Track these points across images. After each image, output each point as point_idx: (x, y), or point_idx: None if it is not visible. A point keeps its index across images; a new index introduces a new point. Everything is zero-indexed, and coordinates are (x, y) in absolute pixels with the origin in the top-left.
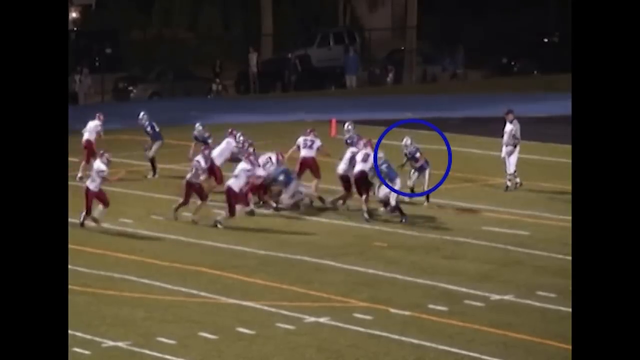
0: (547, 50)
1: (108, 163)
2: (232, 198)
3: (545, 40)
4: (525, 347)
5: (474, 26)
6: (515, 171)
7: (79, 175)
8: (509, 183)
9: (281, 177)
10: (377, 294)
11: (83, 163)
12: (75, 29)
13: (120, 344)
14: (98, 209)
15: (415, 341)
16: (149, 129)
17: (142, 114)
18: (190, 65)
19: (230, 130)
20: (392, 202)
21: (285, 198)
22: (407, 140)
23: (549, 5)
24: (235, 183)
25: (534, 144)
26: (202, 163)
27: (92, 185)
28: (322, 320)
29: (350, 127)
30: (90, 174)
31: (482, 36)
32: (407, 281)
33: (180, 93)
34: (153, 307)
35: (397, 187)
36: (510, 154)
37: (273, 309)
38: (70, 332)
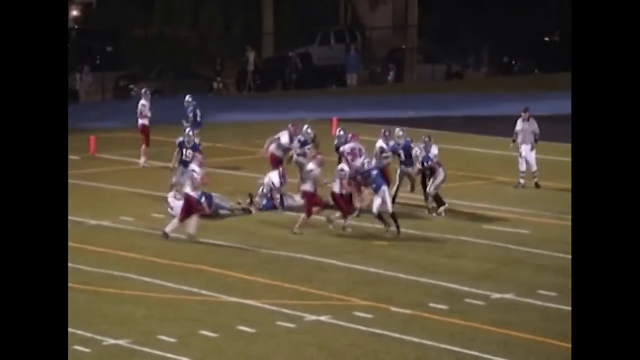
0: (548, 50)
1: (201, 165)
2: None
3: (546, 39)
4: (526, 346)
5: (475, 25)
6: (536, 170)
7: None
8: (522, 181)
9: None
10: (378, 293)
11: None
12: (76, 27)
13: (120, 342)
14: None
15: (417, 340)
16: (191, 115)
17: (189, 97)
18: (191, 63)
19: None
20: (375, 210)
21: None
22: (399, 132)
23: (550, 5)
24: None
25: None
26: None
27: (191, 191)
28: (323, 319)
29: (342, 132)
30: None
31: (483, 35)
32: (409, 280)
33: (181, 91)
34: (154, 305)
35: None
36: (530, 152)
37: (274, 308)
38: (70, 330)
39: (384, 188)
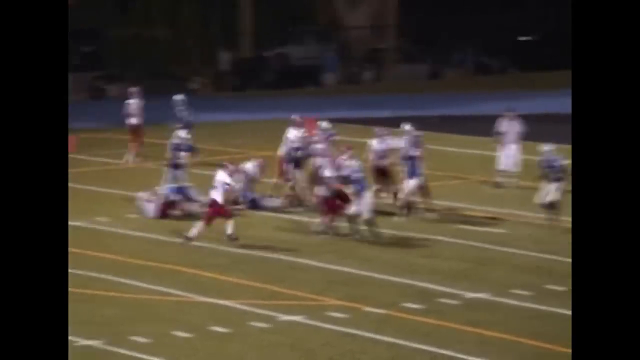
0: (526, 49)
1: (232, 174)
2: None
3: (524, 39)
4: (500, 345)
5: (453, 24)
6: (518, 171)
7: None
8: (501, 179)
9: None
10: (352, 293)
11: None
12: None
13: (94, 342)
14: (229, 225)
15: (390, 339)
16: (184, 114)
17: (177, 96)
18: (169, 63)
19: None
20: (366, 214)
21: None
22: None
23: (528, 5)
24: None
25: None
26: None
27: (219, 197)
28: (296, 318)
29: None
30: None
31: (462, 35)
32: (383, 279)
33: (158, 91)
34: (128, 305)
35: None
36: (514, 152)
37: (247, 308)
38: None
39: (364, 192)
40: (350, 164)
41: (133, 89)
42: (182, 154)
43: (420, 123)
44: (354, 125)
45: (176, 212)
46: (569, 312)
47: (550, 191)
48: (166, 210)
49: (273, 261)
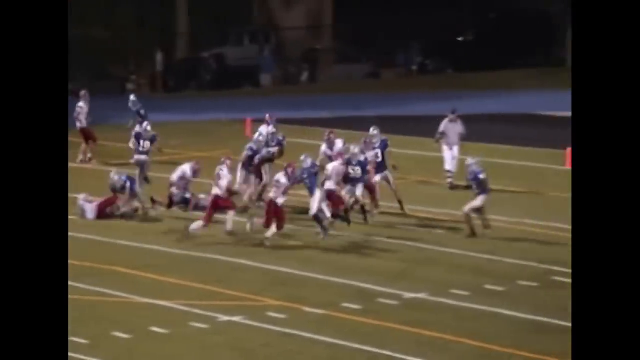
0: (461, 49)
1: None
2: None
3: (460, 39)
4: (438, 345)
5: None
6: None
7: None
8: (450, 180)
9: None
10: (291, 293)
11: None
12: None
13: None
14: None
15: (329, 340)
16: (142, 112)
17: (133, 96)
18: (105, 64)
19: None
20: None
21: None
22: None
23: (463, 5)
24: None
25: None
26: None
27: (280, 199)
28: (235, 319)
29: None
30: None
31: (397, 35)
32: (322, 280)
33: (95, 92)
34: None
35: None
36: (455, 153)
37: (187, 308)
38: None
39: (314, 191)
40: (304, 164)
41: (82, 92)
42: (146, 143)
43: (358, 123)
44: (291, 125)
45: (114, 210)
46: (508, 312)
47: (476, 202)
48: (104, 210)
49: (212, 262)
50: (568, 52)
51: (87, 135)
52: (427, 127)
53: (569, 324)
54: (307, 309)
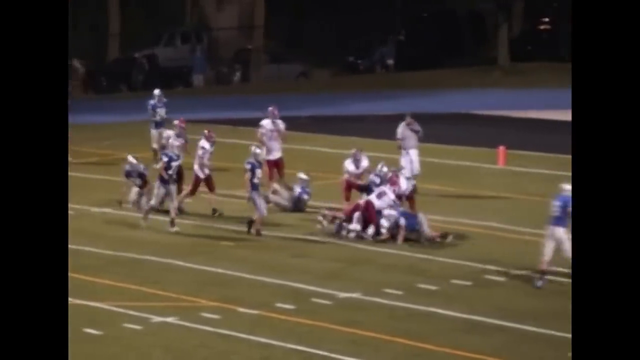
0: (394, 49)
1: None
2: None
3: (393, 38)
4: (373, 344)
5: (320, 25)
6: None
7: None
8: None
9: None
10: (225, 294)
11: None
12: None
13: None
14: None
15: (264, 340)
16: (163, 110)
17: (158, 91)
18: None
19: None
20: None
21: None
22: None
23: (394, 4)
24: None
25: (380, 142)
26: None
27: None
28: (169, 320)
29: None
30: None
31: (329, 35)
32: (255, 280)
33: None
34: None
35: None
36: (414, 156)
37: (120, 310)
38: None
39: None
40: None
41: None
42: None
43: (290, 123)
44: (224, 125)
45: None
46: (442, 311)
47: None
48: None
49: (146, 262)
50: (499, 51)
51: None
52: (359, 126)
53: (503, 323)
54: (242, 310)
